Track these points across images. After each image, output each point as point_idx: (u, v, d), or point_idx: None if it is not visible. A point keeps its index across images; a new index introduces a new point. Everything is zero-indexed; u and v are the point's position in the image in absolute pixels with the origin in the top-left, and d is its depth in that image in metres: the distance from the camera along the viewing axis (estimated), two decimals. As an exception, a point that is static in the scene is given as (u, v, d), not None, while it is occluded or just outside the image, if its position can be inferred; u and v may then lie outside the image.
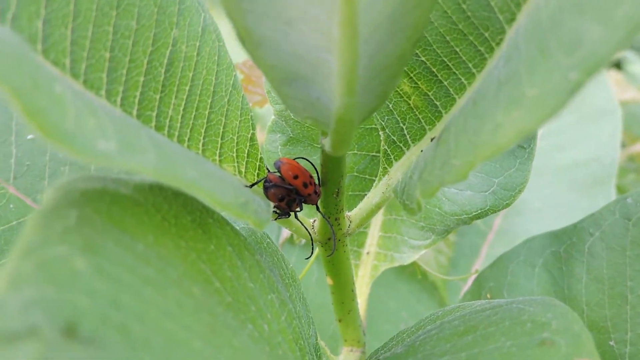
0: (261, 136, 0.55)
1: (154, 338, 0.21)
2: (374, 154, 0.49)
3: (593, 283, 0.48)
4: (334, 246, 0.39)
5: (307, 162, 0.43)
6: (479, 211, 0.45)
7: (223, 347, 0.24)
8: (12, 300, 0.19)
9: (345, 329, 0.47)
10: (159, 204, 0.28)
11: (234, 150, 0.36)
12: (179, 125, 0.33)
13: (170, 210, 0.29)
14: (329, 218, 0.38)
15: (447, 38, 0.34)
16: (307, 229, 0.40)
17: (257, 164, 0.37)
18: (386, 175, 0.39)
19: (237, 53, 0.56)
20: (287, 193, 0.37)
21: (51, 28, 0.28)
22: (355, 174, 0.50)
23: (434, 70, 0.35)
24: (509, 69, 0.27)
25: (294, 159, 0.38)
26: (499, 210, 0.45)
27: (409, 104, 0.36)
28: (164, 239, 0.27)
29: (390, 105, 0.37)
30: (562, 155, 0.79)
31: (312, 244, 0.41)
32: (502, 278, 0.51)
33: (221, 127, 0.35)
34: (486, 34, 0.32)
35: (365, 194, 0.41)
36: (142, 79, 0.32)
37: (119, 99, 0.31)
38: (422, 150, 0.36)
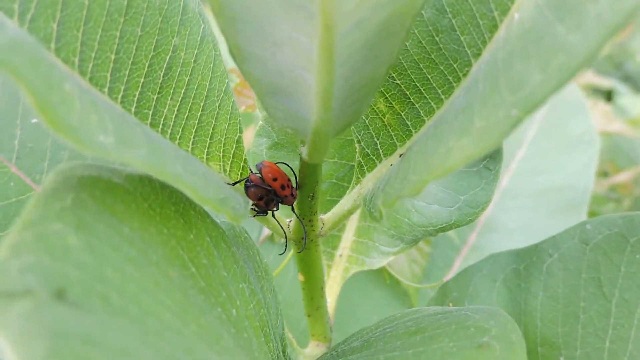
0: (250, 135, 0.58)
1: (130, 308, 0.24)
2: (352, 163, 0.53)
3: (548, 301, 0.51)
4: (305, 244, 0.42)
5: (287, 167, 0.46)
6: (444, 224, 0.48)
7: (190, 323, 0.27)
8: (12, 264, 0.22)
9: (314, 324, 0.50)
10: (147, 193, 0.32)
11: (221, 150, 0.39)
12: (172, 124, 0.37)
13: (156, 200, 0.32)
14: (302, 219, 0.41)
15: (421, 65, 0.37)
16: (282, 228, 0.43)
17: (242, 164, 0.41)
18: (359, 185, 0.42)
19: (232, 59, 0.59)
20: (266, 193, 0.40)
21: (64, 30, 0.31)
22: (334, 180, 0.53)
23: (407, 93, 0.38)
24: (466, 100, 0.30)
25: (275, 163, 0.41)
26: (462, 225, 0.48)
27: (384, 122, 0.40)
28: (148, 225, 0.30)
29: (367, 121, 0.40)
30: (539, 180, 0.82)
31: (287, 242, 0.44)
32: (464, 289, 0.54)
33: (210, 129, 0.38)
34: (455, 65, 0.36)
35: (339, 202, 0.44)
36: (142, 80, 0.35)
37: (119, 97, 0.34)
38: (391, 165, 0.40)
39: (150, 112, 0.35)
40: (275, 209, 0.41)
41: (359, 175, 0.42)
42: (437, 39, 0.36)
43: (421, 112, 0.38)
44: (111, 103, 0.34)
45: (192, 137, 0.38)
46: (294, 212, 0.42)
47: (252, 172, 0.41)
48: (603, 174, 1.29)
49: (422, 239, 0.51)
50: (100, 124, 0.27)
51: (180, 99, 0.37)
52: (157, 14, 0.35)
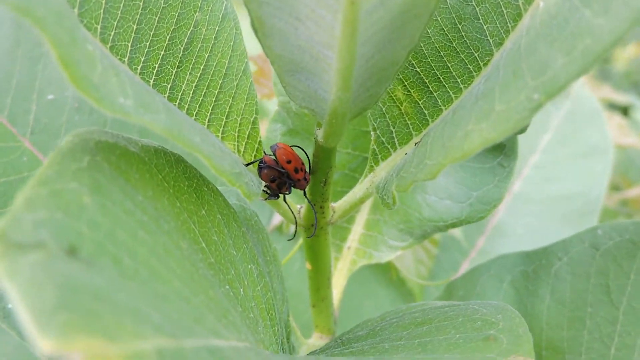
0: (264, 127, 0.58)
1: (141, 270, 0.24)
2: (366, 155, 0.53)
3: (555, 304, 0.51)
4: (315, 230, 0.42)
5: (302, 151, 0.46)
6: (455, 220, 0.48)
7: (199, 293, 0.27)
8: (27, 217, 0.22)
9: (318, 315, 0.50)
10: (161, 165, 0.32)
11: (236, 130, 0.39)
12: (189, 99, 0.36)
13: (170, 173, 0.32)
14: (314, 205, 0.41)
15: (442, 53, 0.37)
16: (293, 213, 0.43)
17: (256, 146, 0.40)
18: (372, 173, 0.42)
19: (253, 47, 0.59)
20: (279, 175, 0.40)
21: (88, -5, 0.31)
22: (347, 171, 0.53)
23: (427, 81, 0.38)
24: (486, 86, 0.30)
25: (290, 146, 0.41)
26: (473, 222, 0.48)
27: (401, 110, 0.40)
28: (161, 196, 0.30)
29: (384, 109, 0.40)
30: (551, 187, 0.82)
31: (296, 227, 0.44)
32: (471, 288, 0.54)
33: (227, 107, 0.38)
34: (476, 54, 0.36)
35: (352, 190, 0.44)
36: (162, 52, 0.35)
37: (139, 68, 0.34)
38: (406, 153, 0.39)
39: (169, 86, 0.35)
40: (287, 192, 0.41)
41: (373, 164, 0.42)
42: (459, 26, 0.36)
43: (439, 101, 0.38)
44: (131, 72, 0.34)
45: (208, 114, 0.38)
46: (306, 197, 0.42)
47: (266, 153, 0.41)
48: (615, 188, 1.28)
49: (431, 234, 0.51)
50: (120, 86, 0.27)
51: (199, 75, 0.37)
52: (180, -13, 0.35)
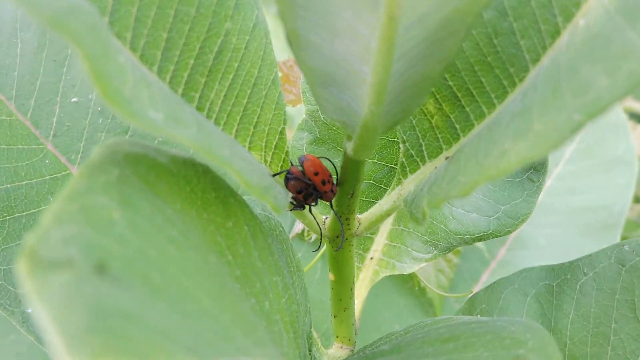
0: (289, 134, 0.58)
1: (170, 289, 0.24)
2: (392, 165, 0.52)
3: (579, 320, 0.50)
4: (342, 243, 0.42)
5: (329, 162, 0.46)
6: (482, 234, 0.47)
7: (227, 310, 0.27)
8: (55, 233, 0.21)
9: (339, 325, 0.49)
10: (190, 177, 0.31)
11: (264, 140, 0.39)
12: (217, 109, 0.36)
13: (198, 184, 0.32)
14: (340, 217, 0.41)
15: (476, 68, 0.36)
16: (318, 224, 0.43)
17: (283, 156, 0.40)
18: (399, 186, 0.41)
19: (277, 52, 0.59)
20: (306, 187, 0.39)
21: (120, 4, 0.31)
22: (372, 182, 0.53)
23: (459, 95, 0.37)
24: (523, 104, 0.29)
25: (318, 158, 0.41)
26: (500, 236, 0.47)
27: (431, 123, 0.39)
28: (189, 208, 0.30)
29: (414, 122, 0.40)
30: (574, 198, 0.81)
31: (321, 239, 0.44)
32: (494, 302, 0.53)
33: (255, 117, 0.38)
34: (511, 70, 0.35)
35: (378, 202, 0.44)
36: (192, 62, 0.34)
37: (168, 77, 0.34)
38: (435, 167, 0.39)
39: (197, 95, 0.35)
40: (313, 203, 0.41)
41: (401, 176, 0.41)
42: (495, 41, 0.35)
43: (471, 115, 0.37)
44: (160, 82, 0.33)
45: (236, 124, 0.37)
46: (332, 208, 0.41)
47: (293, 164, 0.40)
48: (636, 199, 1.27)
49: (456, 247, 0.50)
50: (151, 99, 0.26)
51: (228, 85, 0.36)
52: (212, -4, 0.35)
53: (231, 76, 0.36)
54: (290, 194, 0.39)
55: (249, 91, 0.37)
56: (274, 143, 0.39)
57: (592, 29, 0.28)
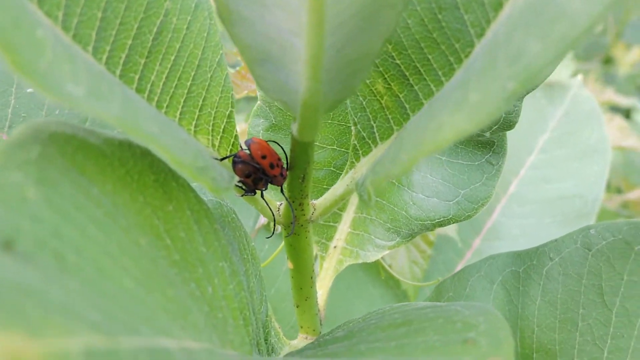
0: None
1: (86, 268, 0.23)
2: (351, 151, 0.51)
3: (546, 306, 0.49)
4: (293, 228, 0.41)
5: (279, 147, 0.45)
6: (442, 219, 0.47)
7: (155, 292, 0.26)
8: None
9: (302, 316, 0.48)
10: (125, 159, 0.30)
11: (210, 123, 0.38)
12: (159, 91, 0.35)
13: (135, 166, 0.31)
14: (292, 202, 0.40)
15: (422, 45, 0.35)
16: (271, 210, 0.42)
17: (232, 140, 0.39)
18: (352, 169, 0.40)
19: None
20: (254, 171, 0.38)
21: (47, -19, 0.30)
22: (332, 168, 0.52)
23: (407, 74, 0.37)
24: (463, 77, 0.28)
25: (266, 141, 0.40)
26: (460, 221, 0.46)
27: (381, 104, 0.38)
28: (122, 190, 0.29)
29: (364, 103, 0.39)
30: (548, 187, 0.80)
31: (274, 225, 0.43)
32: (461, 289, 0.52)
33: (200, 100, 0.37)
34: (457, 45, 0.34)
35: (332, 187, 0.43)
36: (129, 42, 0.34)
37: (104, 57, 0.33)
38: (387, 149, 0.38)
39: (137, 77, 0.34)
40: (263, 188, 0.40)
41: (354, 160, 0.40)
42: (439, 16, 0.34)
43: (420, 94, 0.37)
44: (94, 62, 0.32)
45: (180, 107, 0.36)
46: (283, 193, 0.40)
47: (241, 148, 0.40)
48: (616, 190, 1.26)
49: (419, 233, 0.49)
50: (73, 74, 0.25)
51: (169, 66, 0.35)
52: (149, -26, 0.34)
53: (172, 57, 0.35)
54: (238, 178, 0.38)
55: (192, 73, 0.36)
56: (222, 127, 0.38)
57: (530, -3, 0.27)
